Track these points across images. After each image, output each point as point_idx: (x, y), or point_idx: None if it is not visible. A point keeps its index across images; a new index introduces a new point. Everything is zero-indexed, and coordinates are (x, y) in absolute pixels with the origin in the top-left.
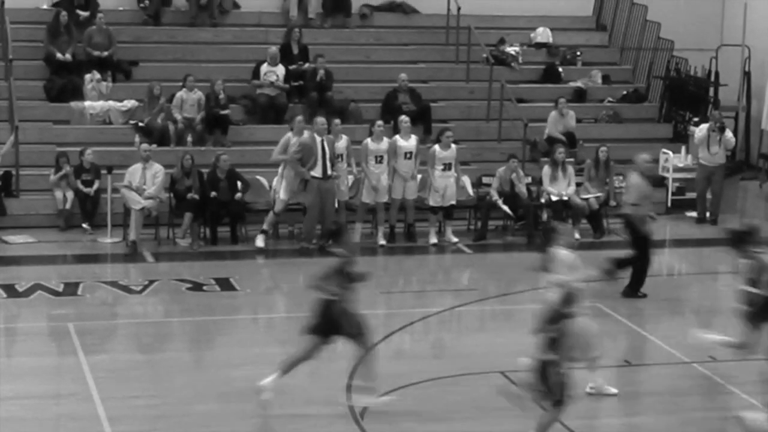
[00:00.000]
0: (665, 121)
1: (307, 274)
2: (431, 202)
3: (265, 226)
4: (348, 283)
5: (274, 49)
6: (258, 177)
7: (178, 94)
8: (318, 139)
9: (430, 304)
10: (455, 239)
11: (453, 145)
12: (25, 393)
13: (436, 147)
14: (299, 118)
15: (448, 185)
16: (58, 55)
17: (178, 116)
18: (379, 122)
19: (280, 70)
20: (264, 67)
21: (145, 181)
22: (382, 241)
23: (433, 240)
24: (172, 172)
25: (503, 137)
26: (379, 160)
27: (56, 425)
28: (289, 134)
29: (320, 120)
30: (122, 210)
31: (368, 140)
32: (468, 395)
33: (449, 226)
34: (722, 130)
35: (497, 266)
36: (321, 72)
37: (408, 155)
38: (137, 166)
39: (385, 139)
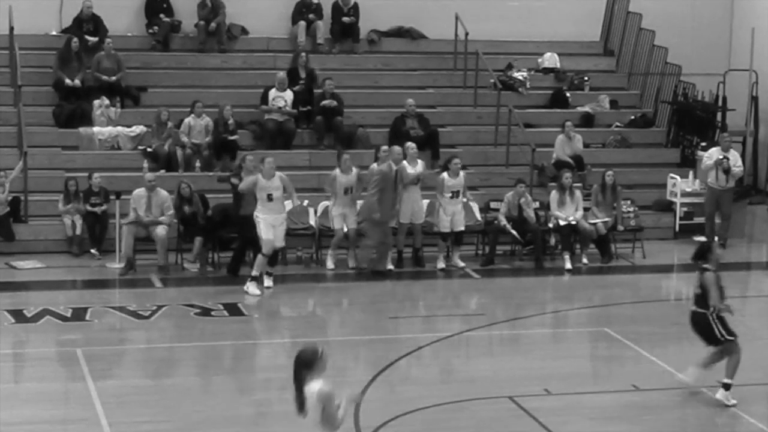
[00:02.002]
0: (673, 145)
1: (316, 299)
2: (440, 228)
3: (254, 272)
4: (723, 296)
5: (282, 74)
6: None
7: (186, 120)
8: (394, 168)
9: (437, 329)
10: (462, 264)
11: (462, 172)
12: (33, 418)
13: (445, 174)
14: (384, 147)
15: (456, 211)
16: (67, 81)
17: (185, 139)
18: (384, 147)
19: (288, 95)
20: (272, 93)
21: (151, 209)
22: (390, 266)
23: (441, 265)
24: (171, 198)
25: (511, 162)
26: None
27: None
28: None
29: (397, 149)
30: None
31: (374, 165)
32: (476, 420)
33: (457, 251)
34: (727, 172)
35: (505, 291)
36: (330, 101)
37: (417, 181)
38: (142, 193)
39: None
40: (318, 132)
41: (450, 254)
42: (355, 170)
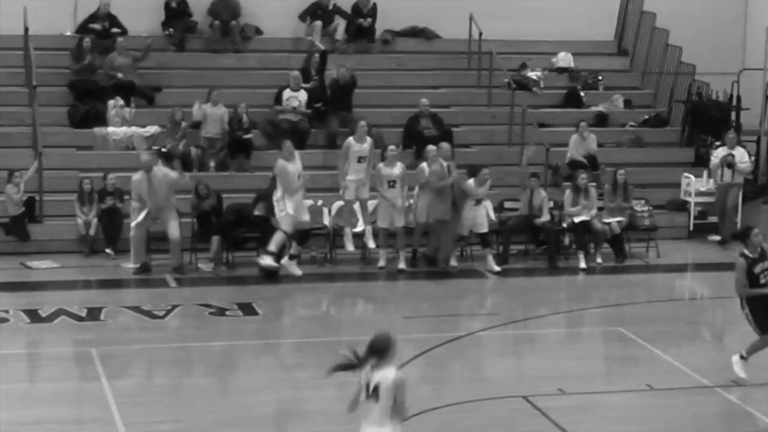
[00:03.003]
0: (687, 145)
1: (330, 298)
2: (462, 232)
3: (272, 247)
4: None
5: (296, 73)
6: None
7: (203, 107)
8: (445, 164)
9: (451, 328)
10: (497, 268)
11: (488, 183)
12: (49, 418)
13: (471, 182)
14: (392, 147)
15: (476, 215)
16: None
17: (198, 114)
18: (392, 147)
19: (302, 95)
20: (286, 93)
21: (155, 190)
22: (402, 266)
23: (454, 263)
24: (189, 197)
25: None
26: (391, 184)
27: None
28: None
29: (445, 146)
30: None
31: (381, 165)
32: (490, 420)
33: (489, 253)
34: (731, 166)
35: (519, 290)
36: (342, 71)
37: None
38: (141, 177)
39: (398, 164)
40: (329, 135)
41: (465, 254)
42: (369, 139)
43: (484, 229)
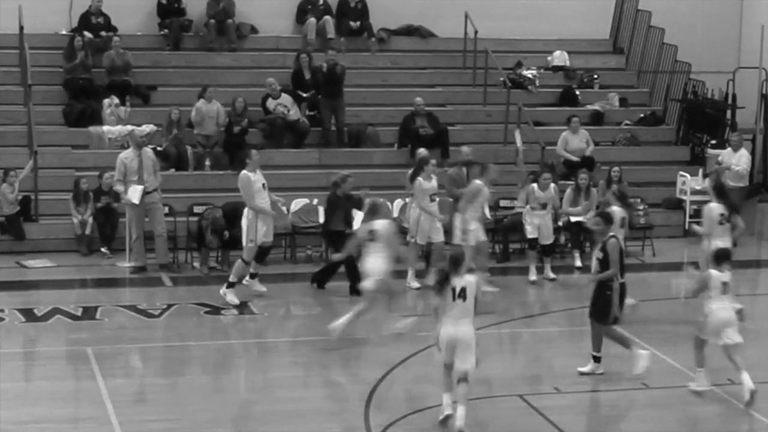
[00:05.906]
0: (683, 143)
1: (326, 297)
2: (527, 235)
3: (233, 278)
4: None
5: (270, 80)
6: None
7: (197, 105)
8: (464, 170)
9: None
10: (553, 276)
11: (552, 185)
12: (44, 417)
13: (534, 186)
14: (433, 161)
15: (543, 224)
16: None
17: (195, 117)
18: (433, 161)
19: (286, 98)
20: (270, 103)
21: (143, 170)
22: (416, 284)
23: (533, 278)
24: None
25: None
26: (432, 198)
27: None
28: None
29: (465, 150)
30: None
31: (420, 178)
32: (486, 419)
33: (548, 263)
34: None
35: (515, 289)
36: (330, 53)
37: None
38: (131, 155)
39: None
40: (324, 136)
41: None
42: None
43: (549, 241)
